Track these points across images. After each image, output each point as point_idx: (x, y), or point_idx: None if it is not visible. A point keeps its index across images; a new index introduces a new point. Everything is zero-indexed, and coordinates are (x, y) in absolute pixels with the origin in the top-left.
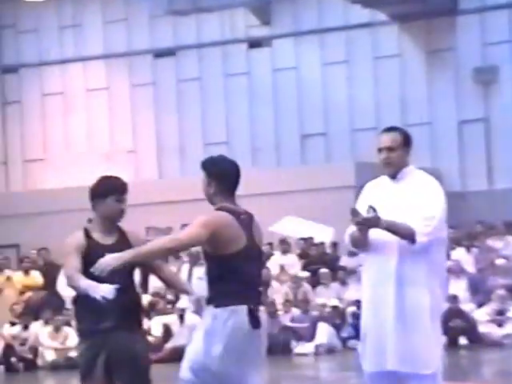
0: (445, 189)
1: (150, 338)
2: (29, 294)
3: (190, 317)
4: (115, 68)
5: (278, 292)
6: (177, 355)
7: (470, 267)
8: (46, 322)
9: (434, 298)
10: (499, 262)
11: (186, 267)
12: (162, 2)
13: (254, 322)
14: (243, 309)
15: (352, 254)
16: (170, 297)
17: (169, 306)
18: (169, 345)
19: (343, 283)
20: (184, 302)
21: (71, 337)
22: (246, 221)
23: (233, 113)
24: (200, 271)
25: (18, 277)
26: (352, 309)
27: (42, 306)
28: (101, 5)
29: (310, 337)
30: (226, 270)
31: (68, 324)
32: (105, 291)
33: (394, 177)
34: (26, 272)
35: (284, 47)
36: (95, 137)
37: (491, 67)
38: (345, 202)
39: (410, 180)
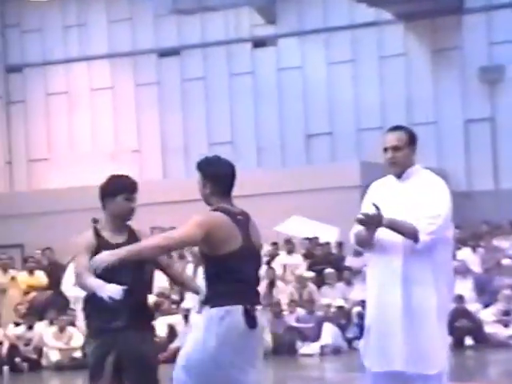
0: (451, 188)
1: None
2: (33, 294)
3: (194, 317)
4: (119, 67)
5: (283, 292)
6: None
7: (476, 267)
8: (51, 323)
9: (441, 298)
10: (505, 261)
11: (190, 267)
12: (166, 1)
13: (251, 321)
14: (239, 309)
15: (357, 254)
16: (174, 297)
17: (173, 307)
18: (173, 345)
19: (348, 283)
20: (189, 302)
21: (76, 337)
22: (243, 221)
23: (237, 112)
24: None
25: (23, 277)
26: (357, 309)
27: (46, 306)
28: (105, 4)
29: (315, 337)
30: (221, 270)
31: (72, 324)
32: (112, 291)
33: (399, 176)
34: (31, 272)
35: (289, 46)
36: (99, 136)
37: (497, 66)
38: (350, 201)
39: (415, 179)
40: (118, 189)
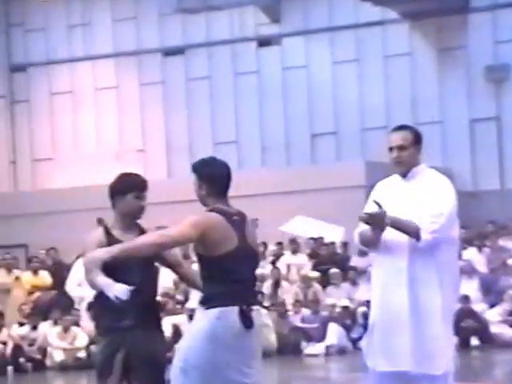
0: (456, 188)
1: None
2: (37, 294)
3: None
4: (124, 66)
5: (288, 292)
6: None
7: (482, 267)
8: (55, 323)
9: (445, 298)
10: (511, 261)
11: (195, 267)
12: (171, 0)
13: (247, 322)
14: (234, 310)
15: (362, 254)
16: (179, 297)
17: (178, 307)
18: (178, 345)
19: (354, 283)
20: (193, 302)
21: (80, 337)
22: (239, 221)
23: (242, 112)
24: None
25: (27, 277)
26: (363, 309)
27: (50, 306)
28: (110, 3)
29: (320, 337)
30: (217, 271)
31: (77, 324)
32: (119, 291)
33: (404, 176)
34: (35, 272)
35: (294, 45)
36: (104, 136)
37: (503, 65)
38: (355, 201)
39: (421, 179)
40: (128, 187)
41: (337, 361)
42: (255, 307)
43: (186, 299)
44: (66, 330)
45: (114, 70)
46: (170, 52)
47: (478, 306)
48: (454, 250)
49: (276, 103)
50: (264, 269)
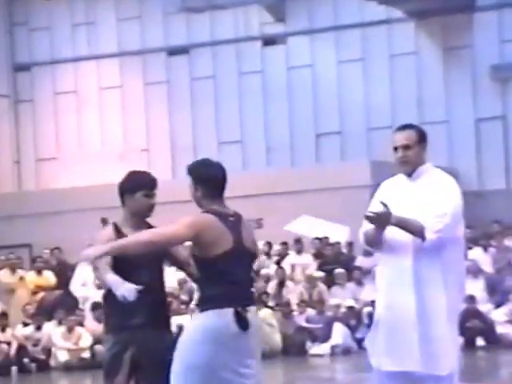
0: (462, 188)
1: None
2: (42, 294)
3: None
4: (128, 66)
5: (292, 292)
6: None
7: (488, 267)
8: (59, 323)
9: (450, 298)
10: None
11: None
12: None
13: (242, 323)
14: (229, 312)
15: (368, 254)
16: (183, 297)
17: (183, 307)
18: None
19: (359, 283)
20: None
21: (84, 337)
22: (234, 222)
23: (247, 111)
24: None
25: (31, 277)
26: (368, 309)
27: (55, 306)
28: (114, 2)
29: (325, 337)
30: (211, 273)
31: (81, 324)
32: (127, 290)
33: (410, 175)
34: (39, 272)
35: (299, 45)
36: (108, 135)
37: (509, 64)
38: (360, 201)
39: (426, 178)
40: (137, 185)
41: (342, 361)
42: (252, 308)
43: (191, 299)
44: (70, 330)
45: (118, 69)
46: (174, 51)
47: (484, 307)
48: (459, 250)
49: (281, 103)
50: (269, 269)
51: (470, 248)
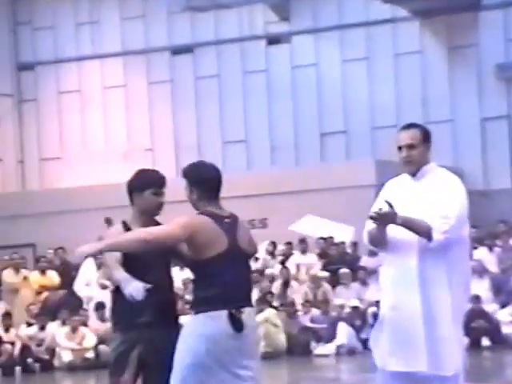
0: (467, 187)
1: None
2: (46, 293)
3: None
4: (132, 65)
5: (297, 292)
6: None
7: (493, 267)
8: (63, 323)
9: (455, 298)
10: None
11: None
12: None
13: (236, 325)
14: (222, 314)
15: (372, 254)
16: (188, 297)
17: (187, 307)
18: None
19: (364, 283)
20: None
21: (88, 337)
22: (230, 224)
23: (251, 110)
24: None
25: (35, 277)
26: (373, 309)
27: (59, 306)
28: (118, 1)
29: (330, 338)
30: (205, 275)
31: (85, 324)
32: (135, 289)
33: (414, 174)
34: (43, 272)
35: (303, 44)
36: (112, 135)
37: None
38: (365, 200)
39: (431, 177)
40: (146, 183)
41: (347, 361)
42: (247, 309)
43: None
44: (74, 330)
45: (122, 68)
46: (178, 50)
47: (489, 307)
48: (464, 250)
49: (285, 102)
50: (273, 269)
51: (476, 248)
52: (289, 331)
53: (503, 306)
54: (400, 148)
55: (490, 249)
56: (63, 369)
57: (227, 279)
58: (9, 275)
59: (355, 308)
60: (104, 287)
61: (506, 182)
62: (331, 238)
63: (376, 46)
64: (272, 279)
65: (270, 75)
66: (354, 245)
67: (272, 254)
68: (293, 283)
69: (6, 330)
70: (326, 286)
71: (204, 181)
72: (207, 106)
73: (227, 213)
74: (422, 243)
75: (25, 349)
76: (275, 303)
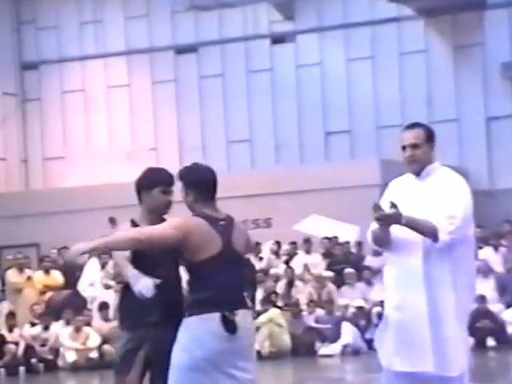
0: (472, 187)
1: None
2: (50, 293)
3: None
4: (136, 65)
5: (302, 292)
6: None
7: (498, 267)
8: (67, 323)
9: (460, 298)
10: None
11: None
12: None
13: (229, 327)
14: (215, 316)
15: (377, 254)
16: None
17: None
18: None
19: (368, 283)
20: None
21: (92, 337)
22: (225, 226)
23: (256, 110)
24: None
25: (39, 276)
26: (378, 309)
27: (63, 305)
28: (122, 0)
29: (335, 338)
30: (198, 277)
31: (89, 324)
32: (144, 286)
33: (418, 174)
34: (47, 271)
35: (308, 43)
36: (116, 134)
37: None
38: (370, 200)
39: (435, 177)
40: (154, 182)
41: (351, 361)
42: (241, 311)
43: None
44: (78, 330)
45: (126, 68)
46: (182, 50)
47: (495, 307)
48: (469, 249)
49: (290, 101)
50: (278, 268)
51: (481, 248)
52: (293, 331)
53: (508, 306)
54: (404, 147)
55: (496, 249)
56: (67, 369)
57: (221, 281)
58: (12, 275)
59: (360, 308)
60: (108, 287)
61: (511, 181)
62: (336, 237)
63: (381, 45)
64: (276, 279)
65: (275, 74)
66: (359, 244)
67: (276, 253)
68: (297, 283)
69: (10, 329)
70: (331, 286)
71: (199, 183)
72: (211, 105)
73: (223, 215)
74: (427, 243)
75: (28, 349)
76: (279, 303)
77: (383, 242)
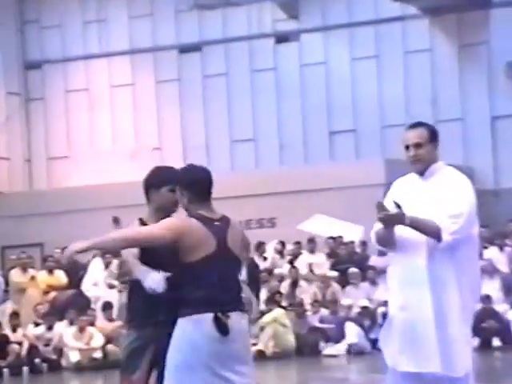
0: (477, 186)
1: None
2: (54, 293)
3: None
4: (140, 64)
5: (306, 292)
6: None
7: (503, 267)
8: (71, 323)
9: (464, 298)
10: None
11: None
12: None
13: (221, 329)
14: (208, 317)
15: (382, 254)
16: None
17: None
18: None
19: (373, 283)
20: None
21: (96, 337)
22: (220, 227)
23: (260, 109)
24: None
25: (42, 276)
26: (382, 309)
27: (67, 305)
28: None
29: (339, 338)
30: (191, 277)
31: (92, 324)
32: (155, 281)
33: (422, 174)
34: (50, 271)
35: (312, 42)
36: (120, 134)
37: None
38: (375, 199)
39: (439, 177)
40: (162, 180)
41: (356, 361)
42: (235, 313)
43: None
44: (81, 330)
45: (129, 67)
46: (186, 49)
47: (500, 307)
48: (472, 249)
49: (294, 100)
50: (282, 268)
51: (486, 247)
52: (297, 331)
53: None
54: (407, 147)
55: (501, 248)
56: (71, 369)
57: (214, 282)
58: (16, 275)
59: (365, 308)
60: (112, 287)
61: None
62: (340, 237)
63: (385, 44)
64: (281, 279)
65: (279, 73)
66: (363, 244)
67: (281, 253)
68: (302, 283)
69: (14, 329)
70: (335, 286)
71: (194, 183)
72: (215, 104)
73: (218, 215)
74: (431, 243)
75: (32, 349)
76: (284, 303)
77: (387, 242)
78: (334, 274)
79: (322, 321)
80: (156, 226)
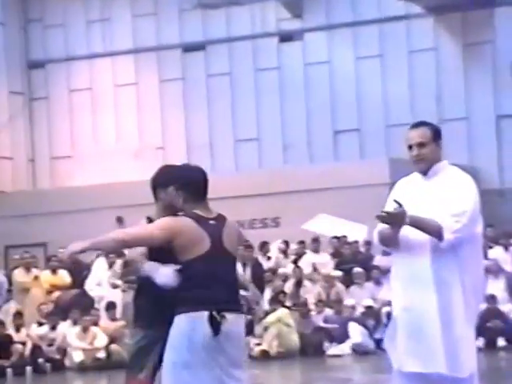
0: (482, 186)
1: None
2: (57, 293)
3: None
4: (144, 63)
5: (310, 292)
6: None
7: (509, 266)
8: (74, 323)
9: (467, 298)
10: None
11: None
12: None
13: (216, 327)
14: (203, 315)
15: (386, 253)
16: None
17: None
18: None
19: (377, 283)
20: None
21: (99, 337)
22: (215, 226)
23: (263, 108)
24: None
25: (46, 276)
26: (387, 309)
27: (71, 305)
28: None
29: (343, 338)
30: (186, 277)
31: (96, 324)
32: (165, 276)
33: (425, 173)
34: (54, 271)
35: (316, 41)
36: (123, 133)
37: None
38: (379, 199)
39: (442, 176)
40: (170, 179)
41: (360, 361)
42: (232, 313)
43: None
44: (85, 330)
45: (133, 66)
46: (190, 48)
47: (505, 306)
48: (476, 249)
49: (298, 99)
50: (286, 268)
51: (491, 247)
52: (302, 331)
53: None
54: (410, 147)
55: (506, 248)
56: (74, 369)
57: (209, 280)
58: (20, 274)
59: (369, 308)
60: (115, 286)
61: None
62: (344, 236)
63: (390, 43)
64: (285, 279)
65: (283, 73)
66: (368, 244)
67: (285, 253)
68: (306, 283)
69: (17, 329)
70: (340, 286)
71: (189, 183)
72: (219, 103)
73: (214, 214)
74: (435, 242)
75: (36, 349)
76: (288, 303)
77: (390, 242)
78: (339, 273)
79: (326, 321)
80: (150, 227)
